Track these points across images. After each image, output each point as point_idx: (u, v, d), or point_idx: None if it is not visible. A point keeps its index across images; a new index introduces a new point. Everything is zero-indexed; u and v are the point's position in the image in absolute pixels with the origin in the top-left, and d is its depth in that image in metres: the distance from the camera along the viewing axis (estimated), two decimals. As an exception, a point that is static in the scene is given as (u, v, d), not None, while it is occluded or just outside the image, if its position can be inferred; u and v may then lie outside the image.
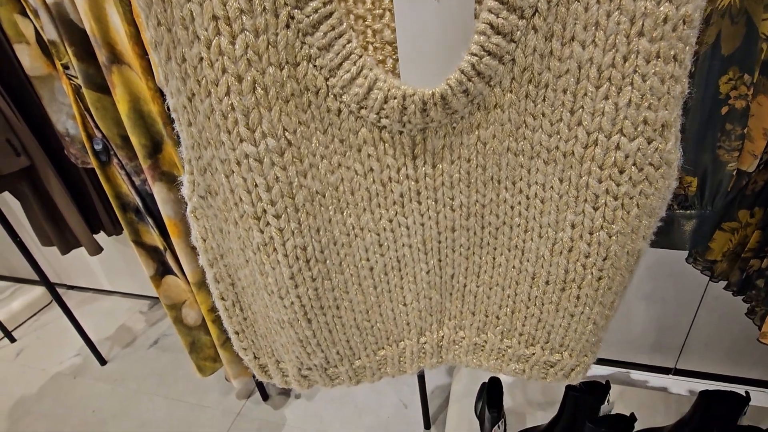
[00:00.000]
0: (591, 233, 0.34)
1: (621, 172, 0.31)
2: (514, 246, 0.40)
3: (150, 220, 0.90)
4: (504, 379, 1.21)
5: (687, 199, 0.43)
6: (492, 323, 0.47)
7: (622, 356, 1.29)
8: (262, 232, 0.38)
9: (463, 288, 0.45)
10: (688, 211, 0.43)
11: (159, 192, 0.85)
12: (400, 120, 0.33)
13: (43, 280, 1.34)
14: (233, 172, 0.37)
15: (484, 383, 1.19)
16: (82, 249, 1.34)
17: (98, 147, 0.82)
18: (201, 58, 0.31)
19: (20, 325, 1.84)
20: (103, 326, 1.76)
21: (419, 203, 0.38)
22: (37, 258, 1.41)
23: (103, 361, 1.56)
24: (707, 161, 0.40)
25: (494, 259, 0.41)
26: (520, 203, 0.37)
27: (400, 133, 0.35)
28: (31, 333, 1.79)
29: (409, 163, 0.36)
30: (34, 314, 1.90)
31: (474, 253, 0.41)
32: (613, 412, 0.92)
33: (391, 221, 0.40)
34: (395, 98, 0.32)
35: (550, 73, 0.30)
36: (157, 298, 1.86)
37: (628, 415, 0.87)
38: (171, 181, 0.86)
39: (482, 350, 0.51)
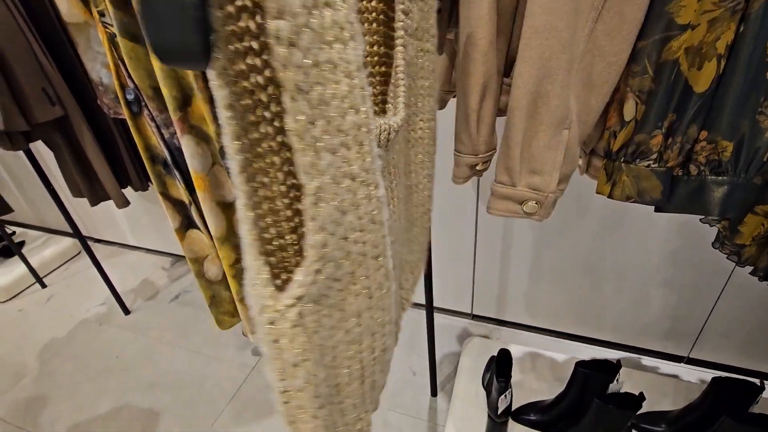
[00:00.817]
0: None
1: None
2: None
3: (177, 174, 0.92)
4: (513, 352, 1.23)
5: (720, 164, 0.41)
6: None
7: (635, 341, 1.29)
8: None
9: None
10: (720, 177, 0.42)
11: (187, 145, 0.86)
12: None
13: (75, 230, 1.40)
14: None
15: (493, 356, 1.21)
16: (110, 203, 1.39)
17: (130, 97, 0.84)
18: None
19: (51, 273, 1.93)
20: (127, 279, 1.83)
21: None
22: (69, 210, 1.47)
23: (127, 311, 1.64)
24: (746, 127, 0.39)
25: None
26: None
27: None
28: (61, 281, 1.88)
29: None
30: (64, 263, 1.99)
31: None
32: (622, 392, 0.92)
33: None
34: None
35: None
36: (179, 255, 1.93)
37: (636, 394, 0.87)
38: (199, 135, 0.87)
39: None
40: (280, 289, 0.30)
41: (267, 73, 0.24)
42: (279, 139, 0.27)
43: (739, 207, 0.46)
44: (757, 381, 0.88)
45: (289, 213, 0.30)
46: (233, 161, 0.28)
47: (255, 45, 0.23)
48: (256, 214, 0.30)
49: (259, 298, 0.31)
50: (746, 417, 0.82)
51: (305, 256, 0.30)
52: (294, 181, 0.28)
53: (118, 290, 1.62)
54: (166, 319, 1.59)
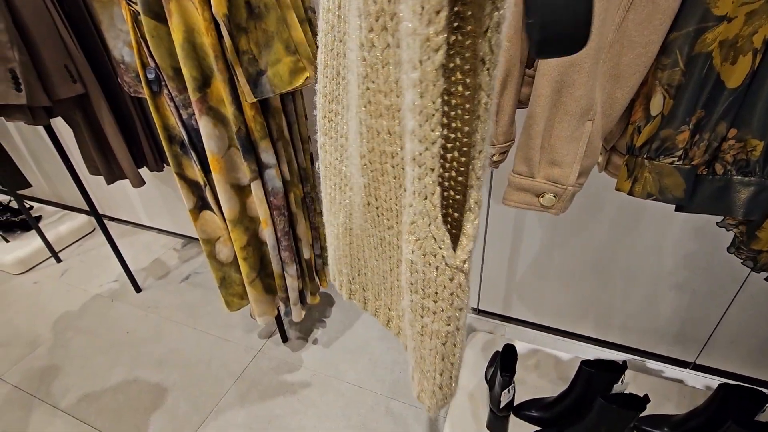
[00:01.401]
0: None
1: None
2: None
3: (193, 155, 0.94)
4: (518, 349, 1.23)
5: (748, 164, 0.41)
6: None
7: (641, 344, 1.28)
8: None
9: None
10: (747, 178, 0.41)
11: (205, 126, 0.87)
12: None
13: (91, 208, 1.42)
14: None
15: (497, 351, 1.21)
16: (126, 182, 1.41)
17: (151, 76, 0.85)
18: None
19: (66, 248, 1.97)
20: (140, 257, 1.87)
21: None
22: (86, 188, 1.49)
23: (138, 289, 1.67)
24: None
25: None
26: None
27: None
28: (75, 256, 1.92)
29: None
30: (79, 239, 2.03)
31: None
32: (625, 393, 0.92)
33: None
34: None
35: None
36: (191, 237, 1.95)
37: (641, 396, 0.87)
38: (217, 116, 0.88)
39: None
40: (455, 248, 0.34)
41: None
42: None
43: (764, 209, 0.45)
44: (765, 390, 0.87)
45: (461, 176, 0.33)
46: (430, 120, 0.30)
47: None
48: (440, 186, 0.33)
49: (439, 260, 0.35)
50: (752, 424, 0.81)
51: (470, 211, 0.34)
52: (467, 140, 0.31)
53: (131, 268, 1.65)
54: (176, 298, 1.62)
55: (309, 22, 0.88)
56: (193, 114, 0.88)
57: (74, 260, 1.89)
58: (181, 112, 0.89)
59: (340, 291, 0.65)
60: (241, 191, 0.99)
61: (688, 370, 1.24)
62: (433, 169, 0.32)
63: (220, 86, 0.83)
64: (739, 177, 0.41)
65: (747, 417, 0.86)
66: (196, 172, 0.98)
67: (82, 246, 1.99)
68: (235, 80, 0.82)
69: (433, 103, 0.28)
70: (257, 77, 0.81)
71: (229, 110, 0.86)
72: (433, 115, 0.29)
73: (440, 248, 0.34)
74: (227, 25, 0.73)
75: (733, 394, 0.88)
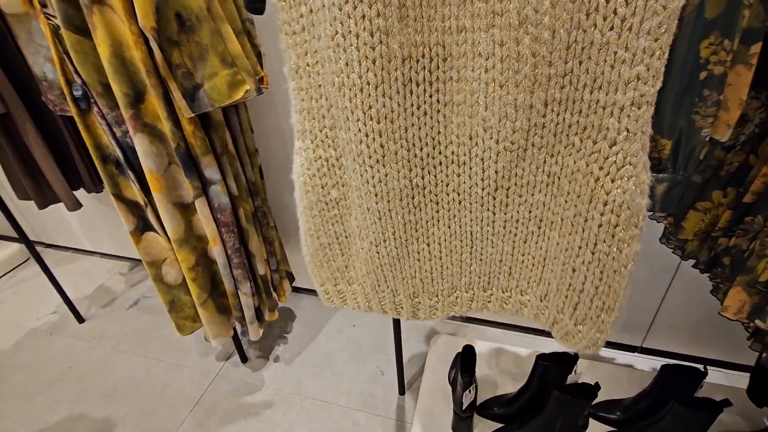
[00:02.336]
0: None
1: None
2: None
3: (131, 174, 0.89)
4: (478, 349, 1.25)
5: (660, 162, 0.44)
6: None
7: (592, 333, 1.34)
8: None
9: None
10: (660, 174, 0.44)
11: (140, 144, 0.83)
12: None
13: (21, 235, 1.31)
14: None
15: (459, 353, 1.23)
16: (61, 206, 1.32)
17: (77, 93, 0.80)
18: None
19: (-5, 281, 1.81)
20: (81, 286, 1.74)
21: None
22: (15, 214, 1.38)
23: (80, 319, 1.55)
24: (683, 126, 0.41)
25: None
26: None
27: None
28: (7, 289, 1.76)
29: None
30: (11, 270, 1.87)
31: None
32: (579, 382, 0.96)
33: None
34: None
35: None
36: (138, 259, 1.85)
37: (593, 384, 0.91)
38: (153, 133, 0.84)
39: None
40: None
41: None
42: None
43: (678, 203, 0.48)
44: (701, 367, 0.93)
45: None
46: None
47: None
48: None
49: (646, 186, 0.46)
50: (692, 401, 0.87)
51: None
52: None
53: (71, 298, 1.53)
54: (124, 326, 1.53)
55: (248, 34, 0.86)
56: (128, 131, 0.83)
57: (6, 293, 1.74)
58: (114, 129, 0.85)
59: (409, 317, 0.65)
60: (185, 209, 0.95)
61: (636, 354, 1.31)
62: (648, 104, 0.39)
63: (154, 102, 0.80)
64: (654, 174, 0.44)
65: (688, 394, 0.93)
66: (135, 192, 0.93)
67: (15, 277, 1.83)
68: (171, 95, 0.78)
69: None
70: (194, 91, 0.78)
71: (166, 126, 0.82)
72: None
73: (648, 176, 0.42)
74: (156, 39, 0.70)
75: (674, 373, 0.94)
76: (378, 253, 0.54)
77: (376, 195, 0.48)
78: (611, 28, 0.37)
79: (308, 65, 0.46)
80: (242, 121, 0.99)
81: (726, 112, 0.45)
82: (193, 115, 0.79)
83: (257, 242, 1.10)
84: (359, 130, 0.44)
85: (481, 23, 0.40)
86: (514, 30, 0.38)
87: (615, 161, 0.42)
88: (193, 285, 1.02)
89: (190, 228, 0.97)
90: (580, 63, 0.39)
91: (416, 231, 0.53)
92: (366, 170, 0.46)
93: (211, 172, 0.90)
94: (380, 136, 0.44)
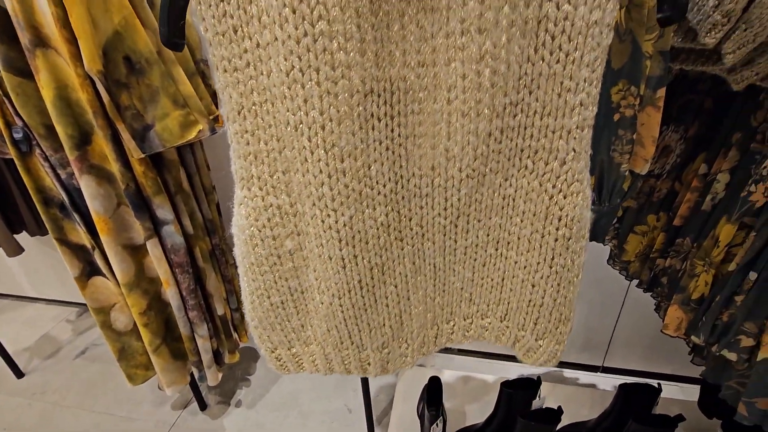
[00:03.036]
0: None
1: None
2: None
3: (76, 217, 0.85)
4: (444, 379, 1.24)
5: (588, 196, 0.48)
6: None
7: (555, 356, 1.37)
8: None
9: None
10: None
11: (87, 186, 0.80)
12: None
13: (-50, 283, 1.21)
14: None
15: (425, 385, 1.21)
16: (1, 251, 1.23)
17: (18, 136, 0.77)
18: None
19: None
20: (22, 336, 1.61)
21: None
22: (-56, 259, 1.27)
23: (19, 374, 1.43)
24: (604, 162, 0.45)
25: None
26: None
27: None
28: (-66, 345, 1.60)
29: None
30: (-61, 324, 1.70)
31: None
32: (544, 407, 0.97)
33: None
34: None
35: None
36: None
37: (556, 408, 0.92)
38: (101, 174, 0.81)
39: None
40: None
41: None
42: None
43: (606, 232, 0.52)
44: (656, 383, 0.97)
45: None
46: None
47: None
48: None
49: (589, 200, 0.46)
50: (650, 419, 0.90)
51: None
52: None
53: (9, 350, 1.41)
54: (70, 378, 1.41)
55: (201, 74, 0.87)
56: (73, 173, 0.80)
57: (-67, 349, 1.57)
58: (59, 172, 0.82)
59: (378, 372, 0.61)
60: (136, 251, 0.91)
61: (598, 373, 1.35)
62: (589, 127, 0.42)
63: (102, 143, 0.78)
64: (584, 206, 0.47)
65: (645, 411, 0.95)
66: (81, 235, 0.89)
67: (-55, 330, 1.67)
68: (120, 136, 0.77)
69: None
70: (144, 132, 0.77)
71: (114, 167, 0.80)
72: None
73: (590, 191, 0.45)
74: (104, 82, 0.69)
75: (631, 392, 0.97)
76: (341, 306, 0.51)
77: (340, 241, 0.45)
78: (557, 61, 0.40)
79: (254, 105, 0.43)
80: (198, 158, 0.98)
81: (642, 148, 0.49)
82: (143, 155, 0.78)
83: (215, 281, 1.06)
84: (320, 171, 0.42)
85: (443, 57, 0.41)
86: (475, 63, 0.40)
87: (566, 179, 0.45)
88: (145, 331, 0.97)
89: (141, 270, 0.93)
90: (530, 92, 0.42)
91: (383, 274, 0.50)
92: (329, 214, 0.44)
93: (163, 212, 0.87)
94: (344, 175, 0.42)
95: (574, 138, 0.43)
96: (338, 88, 0.39)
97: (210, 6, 0.39)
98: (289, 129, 0.41)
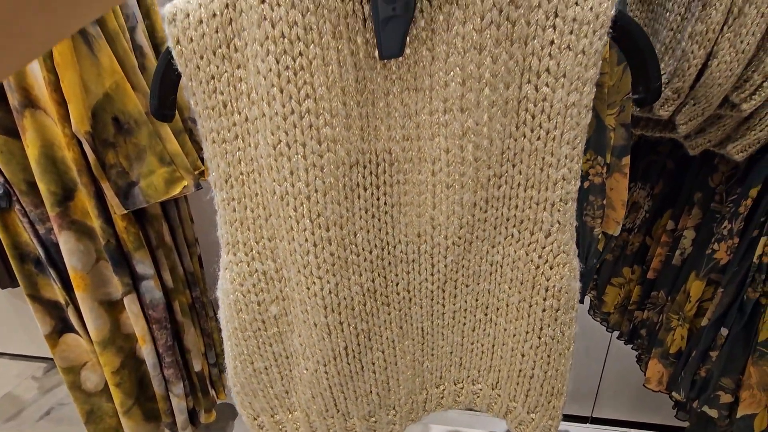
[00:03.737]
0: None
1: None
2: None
3: (52, 272, 0.83)
4: (432, 436, 1.20)
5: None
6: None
7: (544, 407, 1.34)
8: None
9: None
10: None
11: (66, 242, 0.79)
12: None
13: None
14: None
15: (412, 442, 1.17)
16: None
17: (-2, 192, 0.76)
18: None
19: None
20: (-19, 395, 1.50)
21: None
22: None
23: (-26, 439, 1.32)
24: (578, 227, 0.48)
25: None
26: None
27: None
28: None
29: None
30: None
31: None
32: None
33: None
34: None
35: None
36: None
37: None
38: (81, 230, 0.81)
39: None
40: None
41: None
42: None
43: (585, 291, 0.53)
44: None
45: None
46: None
47: None
48: None
49: (577, 271, 0.49)
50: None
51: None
52: None
53: (-34, 412, 1.31)
54: (31, 443, 1.31)
55: (189, 132, 0.89)
56: (52, 229, 0.80)
57: None
58: (37, 227, 0.81)
59: None
60: (112, 307, 0.89)
61: (588, 425, 1.32)
62: (573, 200, 0.44)
63: (84, 199, 0.78)
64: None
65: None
66: (56, 291, 0.86)
67: None
68: (103, 193, 0.77)
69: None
70: (128, 189, 0.77)
71: (96, 223, 0.79)
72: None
73: (578, 262, 0.46)
74: (90, 143, 0.70)
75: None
76: (327, 373, 0.49)
77: (325, 308, 0.45)
78: (538, 138, 0.42)
79: (242, 174, 0.44)
80: (181, 211, 0.98)
81: (613, 210, 0.52)
82: (126, 212, 0.78)
83: (194, 336, 1.03)
84: (306, 239, 0.42)
85: (427, 133, 0.42)
86: (458, 139, 0.41)
87: (551, 250, 0.46)
88: (117, 391, 0.92)
89: (116, 327, 0.90)
90: (514, 166, 0.44)
91: (369, 340, 0.50)
92: (314, 282, 0.44)
93: (143, 267, 0.86)
94: (330, 244, 0.43)
95: (558, 210, 0.44)
96: (324, 161, 0.40)
97: (201, 83, 0.41)
98: (275, 198, 0.42)
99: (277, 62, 0.37)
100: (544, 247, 0.46)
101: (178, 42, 0.39)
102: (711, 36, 0.48)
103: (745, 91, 0.50)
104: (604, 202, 0.49)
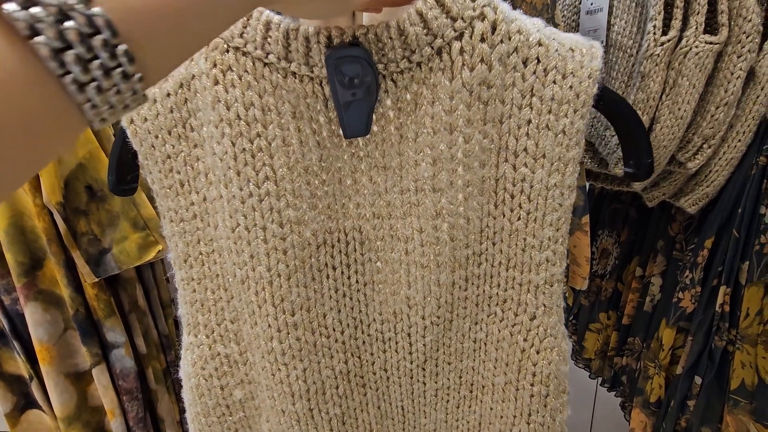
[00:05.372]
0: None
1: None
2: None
3: (16, 345, 0.79)
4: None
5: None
6: None
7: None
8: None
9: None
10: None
11: (32, 312, 0.76)
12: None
13: None
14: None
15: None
16: None
17: (-38, 265, 0.74)
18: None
19: None
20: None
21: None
22: None
23: None
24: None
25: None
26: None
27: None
28: None
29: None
30: None
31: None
32: None
33: None
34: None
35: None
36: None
37: None
38: (48, 299, 0.78)
39: None
40: None
41: None
42: None
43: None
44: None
45: None
46: None
47: None
48: None
49: (567, 354, 0.45)
50: None
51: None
52: None
53: None
54: None
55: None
56: (18, 299, 0.77)
57: None
58: (2, 298, 0.78)
59: None
60: (79, 379, 0.85)
61: (582, 474, 1.27)
62: (558, 282, 0.41)
63: (53, 268, 0.76)
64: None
65: None
66: (19, 364, 0.82)
67: None
68: (74, 261, 0.76)
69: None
70: (99, 256, 0.76)
71: (65, 292, 0.77)
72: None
73: (567, 344, 0.43)
74: (62, 213, 0.70)
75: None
76: None
77: (293, 395, 0.42)
78: (518, 219, 0.40)
79: (201, 254, 0.42)
80: (156, 273, 0.97)
81: (578, 267, 0.54)
82: (96, 280, 0.76)
83: (168, 403, 0.98)
84: (269, 325, 0.40)
85: (399, 211, 0.40)
86: (432, 219, 0.39)
87: (537, 333, 0.43)
88: (82, 471, 0.86)
89: (84, 400, 0.86)
90: (494, 244, 0.42)
91: (344, 424, 0.46)
92: (279, 368, 0.41)
93: (114, 335, 0.83)
94: (296, 329, 0.40)
95: (543, 293, 0.42)
96: (287, 243, 0.38)
97: (157, 162, 0.40)
98: (236, 281, 0.40)
99: (233, 145, 0.36)
100: (529, 330, 0.43)
101: (131, 121, 0.38)
102: (652, 103, 0.52)
103: (688, 151, 0.54)
104: (568, 260, 0.51)
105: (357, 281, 0.43)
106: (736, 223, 0.54)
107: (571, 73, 0.35)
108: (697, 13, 0.49)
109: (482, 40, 0.34)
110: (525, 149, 0.38)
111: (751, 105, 0.52)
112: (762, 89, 0.51)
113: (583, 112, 0.36)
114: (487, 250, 0.42)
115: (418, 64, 0.35)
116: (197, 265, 0.42)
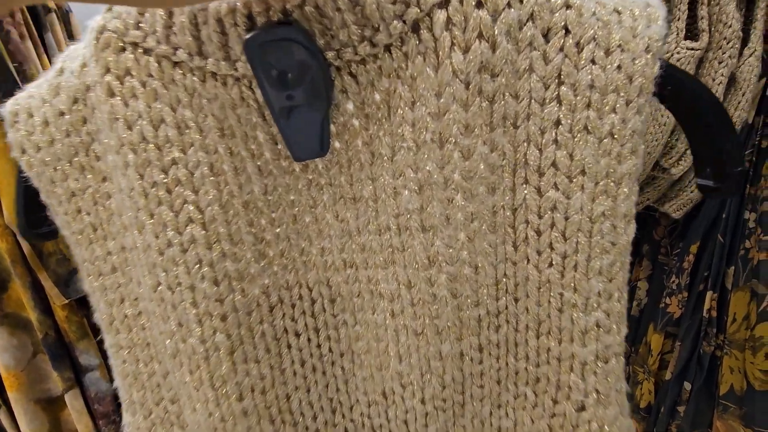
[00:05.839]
0: None
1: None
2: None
3: (-19, 372, 0.75)
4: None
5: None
6: None
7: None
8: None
9: None
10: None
11: (-3, 338, 0.72)
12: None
13: None
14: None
15: None
16: None
17: None
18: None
19: None
20: None
21: None
22: None
23: None
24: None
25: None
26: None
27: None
28: None
29: None
30: None
31: None
32: None
33: None
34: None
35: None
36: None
37: None
38: (15, 323, 0.74)
39: None
40: None
41: None
42: None
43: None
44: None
45: None
46: None
47: None
48: None
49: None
50: None
51: None
52: None
53: None
54: None
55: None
56: (-18, 325, 0.73)
57: None
58: (-35, 323, 0.73)
59: None
60: (51, 405, 0.81)
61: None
62: (617, 355, 0.28)
63: (19, 290, 0.72)
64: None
65: None
66: (-15, 393, 0.78)
67: None
68: (41, 283, 0.72)
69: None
70: (69, 276, 0.72)
71: (32, 315, 0.73)
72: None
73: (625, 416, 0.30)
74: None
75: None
76: None
77: None
78: (549, 265, 0.29)
79: (127, 317, 0.33)
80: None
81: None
82: (67, 301, 0.73)
83: (148, 425, 0.94)
84: (210, 414, 0.31)
85: (376, 259, 0.30)
86: (423, 269, 0.29)
87: (588, 430, 0.31)
88: (56, 502, 0.82)
89: (56, 427, 0.81)
90: (516, 300, 0.30)
91: None
92: None
93: (88, 357, 0.79)
94: (245, 417, 0.31)
95: (595, 373, 0.29)
96: (226, 307, 0.29)
97: (61, 201, 0.31)
98: (167, 355, 0.31)
99: (141, 177, 0.27)
100: (576, 426, 0.31)
101: (23, 151, 0.29)
102: (635, 110, 0.51)
103: (672, 157, 0.54)
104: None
105: (330, 350, 0.33)
106: (720, 228, 0.54)
107: (619, 46, 0.24)
108: (678, 19, 0.49)
109: (479, 5, 0.23)
110: (554, 164, 0.26)
111: (732, 111, 0.52)
112: (743, 95, 0.51)
113: (639, 104, 0.24)
114: (507, 308, 0.31)
115: (387, 49, 0.24)
116: (124, 331, 0.33)
